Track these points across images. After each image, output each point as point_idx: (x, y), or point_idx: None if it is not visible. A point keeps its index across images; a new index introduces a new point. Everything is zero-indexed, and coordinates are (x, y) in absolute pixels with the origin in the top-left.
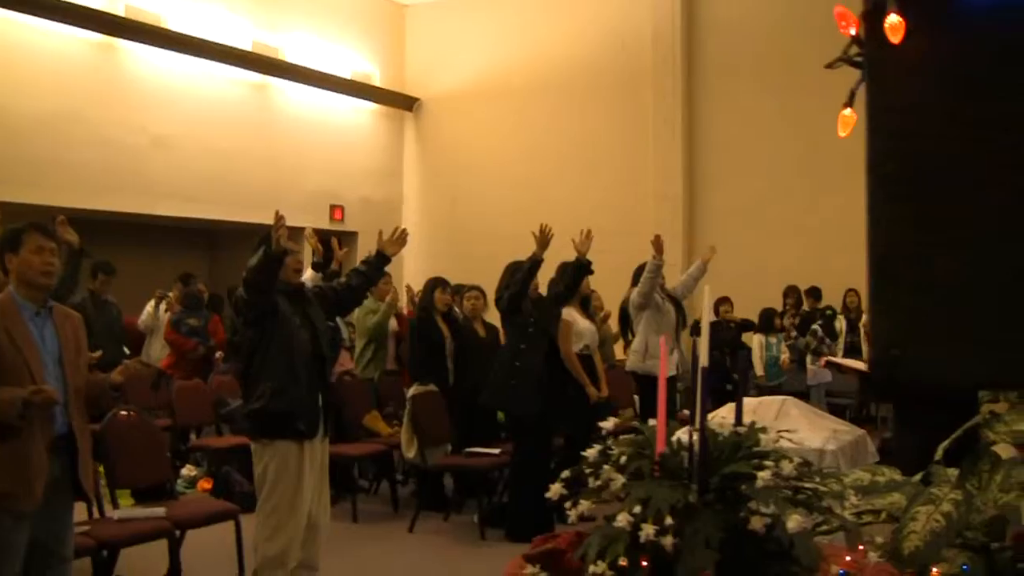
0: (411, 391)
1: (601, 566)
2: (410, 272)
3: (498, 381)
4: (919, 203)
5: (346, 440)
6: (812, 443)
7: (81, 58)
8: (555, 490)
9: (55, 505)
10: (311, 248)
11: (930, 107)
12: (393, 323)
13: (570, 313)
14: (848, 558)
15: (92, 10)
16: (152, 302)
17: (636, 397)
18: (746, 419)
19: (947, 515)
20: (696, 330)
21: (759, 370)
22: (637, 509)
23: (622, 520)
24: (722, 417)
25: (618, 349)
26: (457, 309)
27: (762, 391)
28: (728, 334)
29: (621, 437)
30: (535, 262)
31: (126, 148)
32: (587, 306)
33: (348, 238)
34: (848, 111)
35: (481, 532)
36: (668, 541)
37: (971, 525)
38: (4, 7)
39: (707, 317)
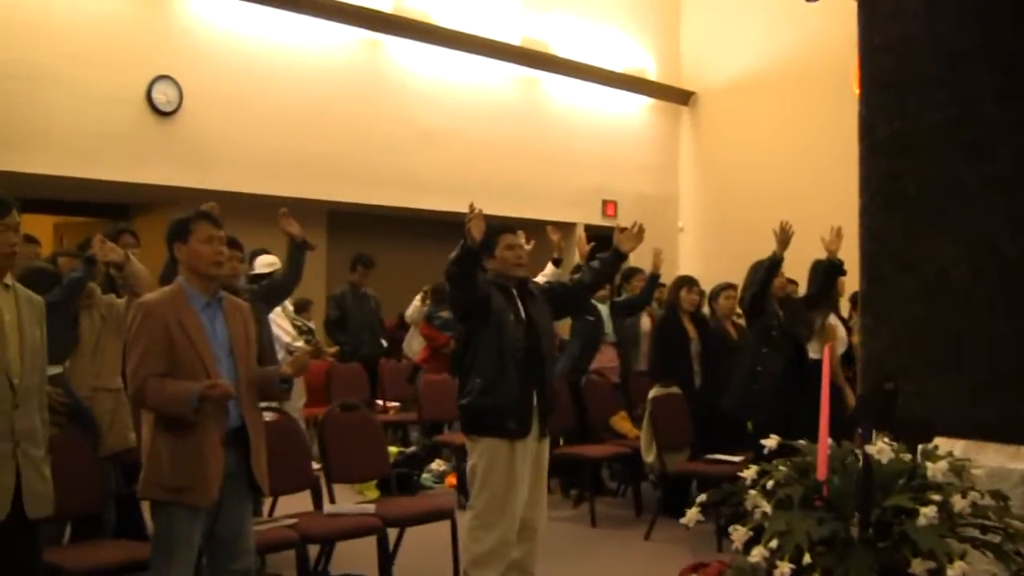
0: (651, 393)
1: None
2: (684, 269)
3: (738, 385)
4: (914, 179)
5: (591, 440)
6: None
7: (349, 55)
8: (690, 516)
9: (232, 498)
10: (556, 243)
11: (919, 41)
12: (646, 322)
13: (833, 318)
14: None
15: (361, 8)
16: (419, 296)
17: None
18: None
19: None
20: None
21: None
22: (773, 543)
23: (756, 555)
24: None
25: None
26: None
27: None
28: None
29: (790, 459)
30: (774, 261)
31: (394, 144)
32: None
33: None
34: None
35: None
36: None
37: None
38: (275, 6)
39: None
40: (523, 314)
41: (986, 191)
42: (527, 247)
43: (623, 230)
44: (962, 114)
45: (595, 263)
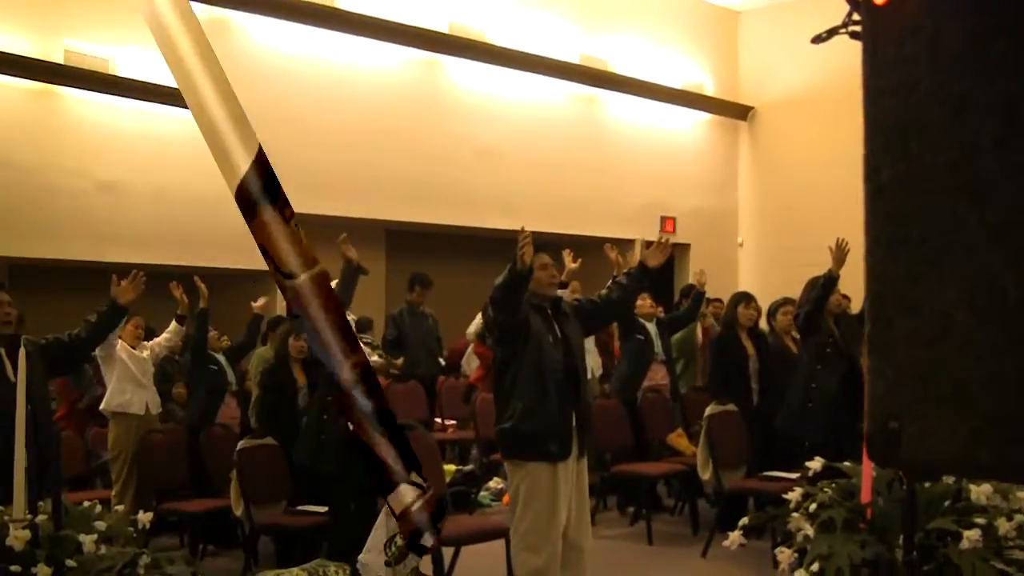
0: (708, 410)
1: None
2: (744, 284)
3: (792, 403)
4: (917, 221)
5: (648, 458)
6: None
7: (407, 75)
8: (733, 539)
9: None
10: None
11: (921, 86)
12: (698, 336)
13: None
14: None
15: (418, 28)
16: (481, 312)
17: None
18: None
19: None
20: None
21: None
22: (815, 567)
23: None
24: None
25: None
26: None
27: None
28: None
29: (835, 481)
30: (830, 279)
31: (452, 162)
32: None
33: (680, 250)
34: None
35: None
36: None
37: None
38: (331, 27)
39: None
40: (559, 334)
41: (987, 234)
42: (574, 265)
43: (649, 244)
44: (962, 158)
45: (622, 278)
